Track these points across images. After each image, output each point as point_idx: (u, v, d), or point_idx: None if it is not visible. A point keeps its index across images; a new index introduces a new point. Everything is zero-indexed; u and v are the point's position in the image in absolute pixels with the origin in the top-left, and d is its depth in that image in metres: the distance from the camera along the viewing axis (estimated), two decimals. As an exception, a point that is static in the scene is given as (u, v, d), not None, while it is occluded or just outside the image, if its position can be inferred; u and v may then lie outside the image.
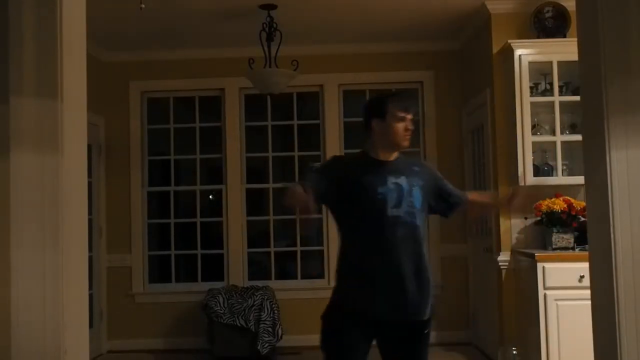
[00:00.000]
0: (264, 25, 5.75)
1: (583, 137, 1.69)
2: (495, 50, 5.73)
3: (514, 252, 5.59)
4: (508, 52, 5.49)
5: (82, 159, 1.53)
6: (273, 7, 5.64)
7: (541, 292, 4.88)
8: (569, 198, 5.21)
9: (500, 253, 5.66)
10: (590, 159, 1.57)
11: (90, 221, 1.53)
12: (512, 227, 5.65)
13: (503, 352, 5.66)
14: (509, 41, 5.46)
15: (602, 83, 1.49)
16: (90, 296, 1.56)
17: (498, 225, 5.71)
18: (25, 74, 1.37)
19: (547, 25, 5.58)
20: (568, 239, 5.15)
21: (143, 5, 3.38)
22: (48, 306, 1.40)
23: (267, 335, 6.23)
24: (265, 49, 5.80)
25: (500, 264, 5.66)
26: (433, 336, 6.60)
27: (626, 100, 1.47)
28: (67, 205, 1.41)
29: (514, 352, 5.50)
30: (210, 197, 7.58)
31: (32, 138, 1.37)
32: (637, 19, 1.47)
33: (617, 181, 1.46)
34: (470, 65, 6.67)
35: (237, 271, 7.02)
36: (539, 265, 4.90)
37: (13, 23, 1.38)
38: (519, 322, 5.50)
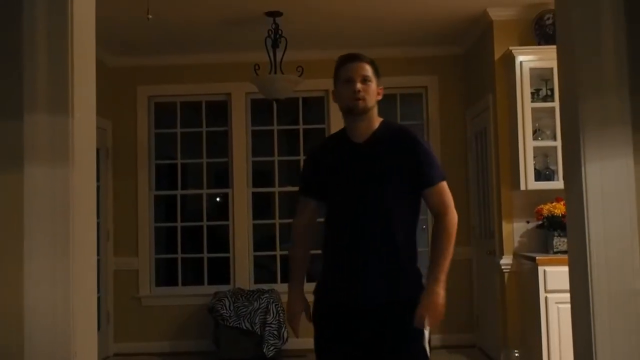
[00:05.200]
0: (270, 31, 5.82)
1: (562, 150, 1.77)
2: (497, 56, 5.79)
3: (516, 255, 5.65)
4: (509, 58, 5.56)
5: (91, 171, 1.61)
6: (279, 14, 5.72)
7: (542, 295, 4.94)
8: (570, 202, 5.26)
9: (503, 256, 5.72)
10: (568, 169, 1.65)
11: (97, 225, 1.61)
12: (515, 230, 5.71)
13: (506, 355, 5.72)
14: (511, 48, 5.53)
15: (578, 100, 1.57)
16: (97, 299, 1.64)
17: (500, 229, 5.78)
18: (38, 91, 1.45)
19: (548, 32, 5.63)
20: (567, 243, 5.21)
21: (150, 16, 3.47)
22: (59, 311, 1.48)
23: (272, 338, 6.30)
24: (271, 55, 5.88)
25: (502, 267, 5.72)
26: (438, 339, 6.78)
27: (599, 116, 1.55)
28: (77, 215, 1.49)
29: (516, 354, 5.56)
30: (218, 199, 7.66)
31: (44, 152, 1.46)
32: (608, 44, 1.55)
33: (591, 190, 1.54)
34: (473, 70, 6.74)
35: (243, 274, 7.09)
36: (540, 269, 4.97)
37: (26, 42, 1.46)
38: (521, 324, 5.56)
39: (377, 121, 2.87)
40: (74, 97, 1.47)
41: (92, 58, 1.65)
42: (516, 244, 5.70)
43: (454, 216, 2.82)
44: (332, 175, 2.86)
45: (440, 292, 2.70)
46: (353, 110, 2.79)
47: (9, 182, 1.48)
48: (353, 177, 2.79)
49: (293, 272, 3.03)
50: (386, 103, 7.15)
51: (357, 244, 2.76)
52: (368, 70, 2.81)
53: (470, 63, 6.82)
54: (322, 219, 2.96)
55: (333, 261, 2.87)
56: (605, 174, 1.54)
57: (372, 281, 2.73)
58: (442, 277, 2.72)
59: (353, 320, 2.75)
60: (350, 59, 2.84)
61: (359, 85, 2.76)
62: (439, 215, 2.83)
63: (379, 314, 2.73)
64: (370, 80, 2.80)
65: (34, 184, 1.45)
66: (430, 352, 2.83)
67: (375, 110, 2.86)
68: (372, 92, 2.80)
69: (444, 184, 2.85)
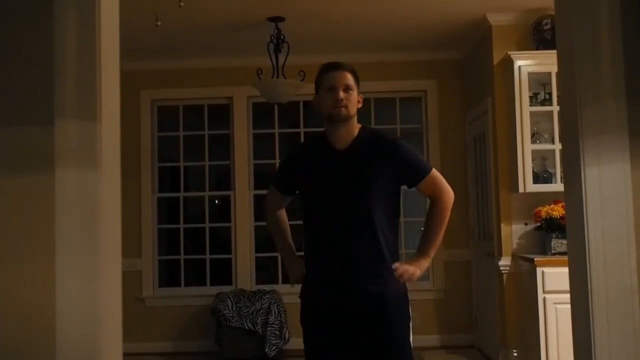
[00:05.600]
0: (272, 37, 5.91)
1: (562, 154, 1.87)
2: (496, 60, 5.87)
3: (514, 257, 5.74)
4: (508, 62, 5.65)
5: (117, 174, 1.70)
6: (281, 19, 5.81)
7: (540, 295, 5.02)
8: (567, 205, 5.35)
9: (502, 258, 5.79)
10: (568, 174, 1.74)
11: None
12: (513, 232, 5.79)
13: (504, 355, 5.81)
14: (509, 52, 5.62)
15: (577, 108, 1.67)
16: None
17: (499, 231, 5.86)
18: (68, 99, 1.54)
19: (546, 37, 5.73)
20: (566, 244, 5.28)
21: (159, 23, 3.55)
22: (87, 304, 1.57)
23: (274, 338, 6.38)
24: (273, 59, 5.96)
25: (501, 268, 5.80)
26: (437, 339, 6.86)
27: (597, 124, 1.64)
28: (104, 215, 1.58)
29: (515, 354, 5.64)
30: (217, 202, 7.73)
31: (74, 156, 1.54)
32: (606, 55, 1.64)
33: (590, 194, 1.63)
34: (472, 74, 6.83)
35: (244, 275, 7.17)
36: (539, 270, 5.05)
37: (57, 54, 1.55)
38: (520, 325, 5.64)
39: (356, 128, 2.95)
40: (101, 105, 1.56)
41: (116, 67, 1.75)
42: (515, 246, 5.78)
43: (449, 196, 2.99)
44: (313, 180, 2.94)
45: (425, 265, 2.94)
46: (335, 118, 2.87)
47: (42, 184, 1.57)
48: (336, 183, 2.88)
49: (282, 255, 3.23)
50: (386, 106, 7.28)
51: (342, 249, 2.84)
52: (350, 79, 2.89)
53: (470, 67, 6.91)
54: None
55: (317, 265, 2.94)
56: (603, 178, 1.63)
57: (358, 284, 2.82)
58: (432, 253, 2.97)
59: (340, 322, 2.83)
60: (332, 68, 2.92)
61: (341, 94, 2.83)
62: (435, 199, 3.00)
63: (366, 315, 2.83)
64: (352, 89, 2.88)
65: (64, 186, 1.53)
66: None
67: (355, 118, 2.94)
68: (354, 100, 2.89)
69: (433, 172, 2.99)
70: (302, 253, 3.06)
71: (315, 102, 2.98)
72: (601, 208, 1.63)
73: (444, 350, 6.78)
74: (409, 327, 2.95)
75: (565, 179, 1.86)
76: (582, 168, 1.64)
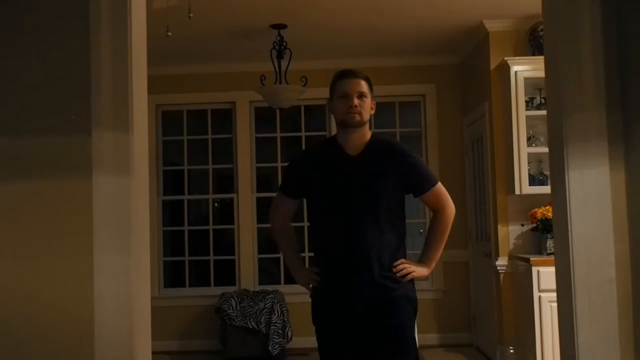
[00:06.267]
0: (275, 43, 6.04)
1: (550, 160, 2.04)
2: (492, 66, 6.01)
3: (511, 257, 5.87)
4: (505, 68, 5.79)
5: (145, 179, 1.86)
6: (283, 26, 5.95)
7: (536, 294, 5.16)
8: (562, 206, 5.49)
9: (499, 258, 5.94)
10: (554, 177, 1.91)
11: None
12: (510, 233, 5.93)
13: (501, 352, 5.94)
14: (506, 58, 5.75)
15: (562, 117, 1.84)
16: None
17: (496, 232, 5.99)
18: (103, 111, 1.70)
19: (542, 43, 5.86)
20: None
21: (169, 34, 3.70)
22: (121, 297, 1.73)
23: (277, 337, 6.50)
24: (276, 65, 6.11)
25: (498, 268, 5.94)
26: (436, 338, 7.00)
27: (581, 131, 1.81)
28: (135, 217, 1.74)
29: (511, 351, 5.78)
30: (215, 204, 7.86)
31: (109, 163, 1.70)
32: (588, 67, 1.81)
33: (574, 195, 1.81)
34: (469, 79, 6.98)
35: (248, 276, 7.30)
36: (534, 269, 5.19)
37: (94, 70, 1.72)
38: (516, 323, 5.78)
39: (368, 134, 3.06)
40: (132, 116, 1.72)
41: (144, 82, 1.91)
42: (511, 246, 5.92)
43: (451, 210, 3.12)
44: (326, 183, 3.02)
45: (424, 273, 3.08)
46: (348, 124, 2.97)
47: (80, 189, 1.74)
48: (348, 186, 2.97)
49: (288, 260, 3.27)
50: (385, 110, 7.41)
51: (354, 252, 2.93)
52: (364, 86, 2.98)
53: (467, 72, 7.06)
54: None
55: (329, 267, 3.02)
56: (585, 181, 1.80)
57: (369, 284, 2.92)
58: (432, 264, 3.12)
59: (352, 321, 2.94)
60: (347, 75, 3.01)
61: (355, 101, 2.94)
62: (437, 211, 3.13)
63: (376, 313, 2.93)
64: (365, 96, 2.98)
65: (100, 190, 1.70)
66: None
67: (368, 124, 3.04)
68: (367, 107, 2.99)
69: (438, 186, 3.10)
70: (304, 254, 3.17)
71: (330, 108, 3.08)
72: (583, 208, 1.80)
73: (442, 349, 6.91)
74: (414, 326, 3.08)
75: (551, 182, 2.03)
76: (566, 171, 1.82)
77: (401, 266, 2.99)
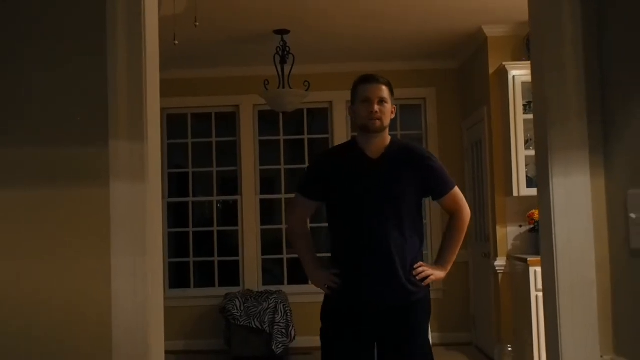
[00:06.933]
0: (278, 49, 6.15)
1: (536, 166, 2.18)
2: (491, 70, 6.12)
3: (509, 257, 5.98)
4: (503, 72, 5.88)
5: (158, 186, 1.99)
6: (286, 32, 6.07)
7: (533, 294, 5.26)
8: (559, 207, 5.59)
9: (497, 258, 6.04)
10: (540, 183, 2.04)
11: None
12: (508, 234, 6.03)
13: (499, 350, 6.05)
14: (504, 63, 5.85)
15: (547, 125, 1.98)
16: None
17: (495, 233, 6.10)
18: (119, 122, 1.82)
19: (539, 48, 5.97)
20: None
21: (176, 42, 3.82)
22: (138, 297, 1.85)
23: (281, 337, 6.60)
24: (279, 70, 6.22)
25: (497, 268, 6.05)
26: (436, 337, 7.09)
27: (563, 141, 1.94)
28: (150, 221, 1.87)
29: (509, 349, 5.89)
30: (219, 206, 7.97)
31: (125, 171, 1.82)
32: (572, 78, 1.94)
33: (557, 200, 1.93)
34: (469, 83, 7.08)
35: (252, 276, 7.41)
36: (531, 269, 5.28)
37: (110, 81, 1.84)
38: (514, 322, 5.88)
39: (388, 138, 3.09)
40: (147, 127, 1.85)
41: (157, 93, 2.04)
42: (510, 247, 6.02)
43: (467, 213, 3.20)
44: (347, 185, 3.03)
45: (441, 275, 3.14)
46: (370, 129, 3.00)
47: (99, 195, 1.87)
48: (370, 188, 3.00)
49: (306, 261, 3.23)
50: (387, 114, 7.52)
51: (374, 253, 2.96)
52: (385, 91, 3.01)
53: (467, 76, 7.16)
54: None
55: (349, 268, 3.03)
56: (568, 187, 1.93)
57: (386, 288, 2.97)
58: (448, 266, 3.18)
59: (371, 324, 3.00)
60: (368, 80, 3.03)
61: (376, 107, 2.97)
62: (454, 214, 3.19)
63: (396, 314, 2.99)
64: (386, 102, 3.01)
65: (117, 197, 1.82)
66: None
67: (388, 128, 3.08)
68: (388, 112, 3.02)
69: (455, 189, 3.18)
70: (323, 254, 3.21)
71: (351, 112, 3.12)
72: (566, 212, 1.93)
73: (443, 348, 6.98)
74: (428, 329, 3.20)
75: (538, 187, 2.16)
76: (550, 178, 1.95)
77: (421, 269, 3.03)
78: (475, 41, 6.47)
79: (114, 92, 1.83)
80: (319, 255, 3.27)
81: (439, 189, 3.14)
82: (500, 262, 6.04)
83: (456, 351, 6.89)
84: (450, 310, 7.24)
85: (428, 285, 3.11)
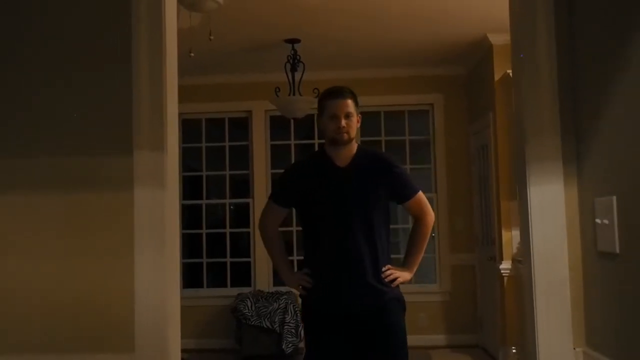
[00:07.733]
0: (289, 57, 6.34)
1: (515, 176, 2.39)
2: (496, 77, 6.24)
3: (514, 260, 6.06)
4: (507, 80, 5.94)
5: (176, 192, 2.20)
6: (297, 41, 6.26)
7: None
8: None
9: (503, 262, 6.16)
10: (520, 191, 2.24)
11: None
12: (513, 238, 6.11)
13: (504, 352, 6.17)
14: (508, 71, 5.91)
15: (525, 138, 2.17)
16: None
17: (500, 236, 6.22)
18: (142, 135, 2.04)
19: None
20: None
21: (192, 54, 4.00)
22: (158, 292, 2.05)
23: (290, 336, 6.75)
24: (290, 78, 6.41)
25: (502, 271, 6.16)
26: (443, 339, 7.23)
27: (539, 153, 2.14)
28: (168, 224, 2.08)
29: (514, 351, 6.02)
30: (232, 208, 8.15)
31: (147, 179, 2.03)
32: (547, 95, 2.14)
33: (534, 206, 2.13)
34: (475, 89, 7.22)
35: (263, 277, 7.58)
36: (534, 272, 5.42)
37: (135, 97, 2.06)
38: (519, 324, 6.00)
39: (355, 146, 3.21)
40: (167, 139, 2.06)
41: (175, 107, 2.26)
42: (515, 250, 6.09)
43: (431, 218, 3.33)
44: (317, 193, 3.16)
45: (408, 277, 3.23)
46: (338, 142, 3.12)
47: (125, 200, 2.08)
48: (339, 196, 3.12)
49: (279, 264, 3.40)
50: (395, 119, 7.70)
51: (344, 258, 3.08)
52: (350, 106, 3.12)
53: (473, 83, 7.31)
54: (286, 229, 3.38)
55: (323, 271, 3.13)
56: (544, 195, 2.12)
57: (360, 291, 3.07)
58: (414, 268, 3.28)
59: (346, 324, 3.08)
60: (335, 96, 3.14)
61: (343, 122, 3.08)
62: (418, 219, 3.32)
63: (369, 316, 3.08)
64: (352, 115, 3.12)
65: (140, 202, 2.03)
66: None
67: (355, 139, 3.22)
68: (354, 125, 3.14)
69: (420, 194, 3.30)
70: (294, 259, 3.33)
71: (320, 125, 3.22)
72: (542, 217, 2.13)
73: (449, 349, 7.11)
74: (404, 329, 3.21)
75: (518, 195, 2.36)
76: (528, 187, 2.15)
77: (388, 272, 3.15)
78: (481, 49, 6.60)
79: (137, 105, 2.04)
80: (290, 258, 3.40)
81: (404, 193, 3.27)
82: (505, 265, 6.14)
83: (462, 353, 6.99)
84: (457, 313, 7.36)
85: (397, 287, 3.19)
